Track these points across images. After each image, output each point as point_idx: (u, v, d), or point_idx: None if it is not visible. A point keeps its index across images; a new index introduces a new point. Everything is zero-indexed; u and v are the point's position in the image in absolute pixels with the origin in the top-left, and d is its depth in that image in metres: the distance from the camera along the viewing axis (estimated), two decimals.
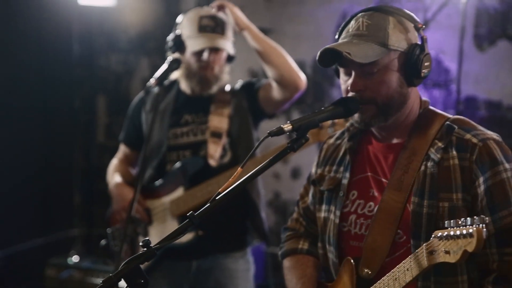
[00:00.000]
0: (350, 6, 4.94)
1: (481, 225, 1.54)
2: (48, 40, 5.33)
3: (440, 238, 1.61)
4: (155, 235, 3.13)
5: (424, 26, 1.94)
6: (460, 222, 1.57)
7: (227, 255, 3.18)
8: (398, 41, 1.90)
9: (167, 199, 3.17)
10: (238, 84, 3.29)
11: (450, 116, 2.00)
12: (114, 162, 3.39)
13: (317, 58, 1.94)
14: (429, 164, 1.92)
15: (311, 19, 5.08)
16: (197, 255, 3.15)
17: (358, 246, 2.00)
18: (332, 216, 2.08)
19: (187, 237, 3.05)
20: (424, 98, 2.07)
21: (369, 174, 2.04)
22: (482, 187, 1.86)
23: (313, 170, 2.24)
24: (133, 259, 1.72)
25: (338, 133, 2.23)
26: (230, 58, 3.19)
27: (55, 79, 5.43)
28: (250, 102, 3.19)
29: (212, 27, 3.06)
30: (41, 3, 5.16)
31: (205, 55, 3.05)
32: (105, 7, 5.30)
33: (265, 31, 5.36)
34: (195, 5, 5.44)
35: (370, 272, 1.93)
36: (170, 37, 3.14)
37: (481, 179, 1.86)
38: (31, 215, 5.31)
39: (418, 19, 1.96)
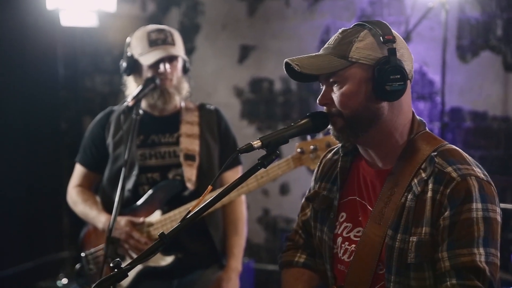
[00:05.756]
0: (333, 22, 4.95)
1: None
2: (33, 62, 5.31)
3: None
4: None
5: (394, 38, 1.85)
6: None
7: (206, 268, 3.18)
8: (362, 54, 1.84)
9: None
10: (212, 107, 3.27)
11: (445, 143, 1.90)
12: (78, 190, 3.26)
13: (285, 71, 1.93)
14: (409, 196, 1.85)
15: (294, 35, 5.09)
16: (177, 275, 3.13)
17: (344, 271, 1.98)
18: (325, 237, 2.06)
19: (166, 260, 3.04)
20: (419, 118, 1.96)
21: (357, 198, 2.00)
22: (447, 221, 1.77)
23: (312, 184, 2.19)
24: (104, 280, 1.71)
25: (337, 147, 2.16)
26: (185, 70, 3.16)
27: (40, 102, 5.40)
28: (220, 149, 3.21)
29: (162, 39, 3.06)
30: (24, 25, 5.15)
31: (162, 66, 3.03)
32: (88, 28, 5.31)
33: (248, 48, 5.41)
34: (179, 23, 5.45)
35: None
36: (122, 60, 3.12)
37: (447, 213, 1.77)
38: (19, 239, 5.27)
39: (392, 32, 1.87)
